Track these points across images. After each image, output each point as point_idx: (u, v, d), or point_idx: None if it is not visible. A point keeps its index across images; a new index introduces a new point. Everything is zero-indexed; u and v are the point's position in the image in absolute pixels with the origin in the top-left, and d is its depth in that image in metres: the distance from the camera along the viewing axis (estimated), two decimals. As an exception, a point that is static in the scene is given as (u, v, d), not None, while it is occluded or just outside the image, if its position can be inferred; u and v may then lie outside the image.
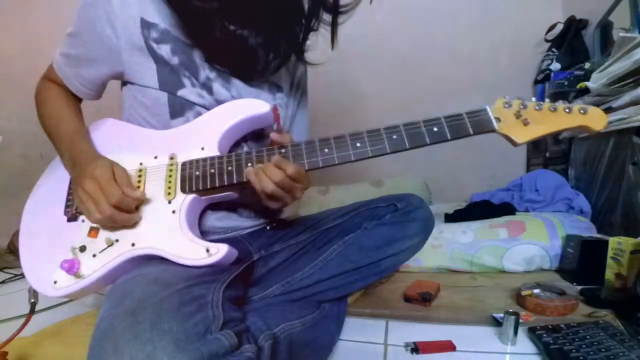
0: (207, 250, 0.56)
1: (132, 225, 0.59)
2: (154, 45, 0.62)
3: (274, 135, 0.62)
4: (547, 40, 1.83)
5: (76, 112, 0.71)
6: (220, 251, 0.56)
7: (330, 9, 0.64)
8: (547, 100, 0.59)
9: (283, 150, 0.60)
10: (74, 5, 0.63)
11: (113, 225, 0.58)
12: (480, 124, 0.58)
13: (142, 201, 0.60)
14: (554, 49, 1.75)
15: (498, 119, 0.58)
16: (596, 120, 0.57)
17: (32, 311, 0.71)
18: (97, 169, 0.57)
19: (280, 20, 0.64)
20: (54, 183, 0.69)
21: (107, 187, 0.56)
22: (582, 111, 0.57)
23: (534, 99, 0.60)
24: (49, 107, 0.70)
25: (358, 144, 0.59)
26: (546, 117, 0.58)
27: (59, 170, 0.69)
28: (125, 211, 0.57)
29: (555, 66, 1.65)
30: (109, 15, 0.61)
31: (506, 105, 0.59)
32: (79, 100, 0.74)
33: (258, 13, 0.62)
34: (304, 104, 0.84)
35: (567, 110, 0.57)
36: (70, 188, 0.67)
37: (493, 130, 0.58)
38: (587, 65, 1.44)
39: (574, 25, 1.68)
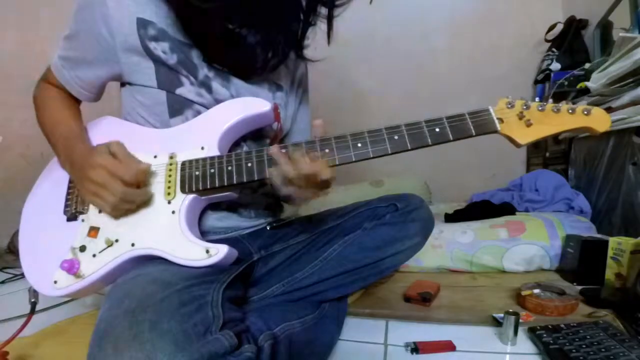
0: (207, 251, 0.56)
1: (148, 199, 0.59)
2: (151, 45, 0.62)
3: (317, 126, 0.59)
4: (547, 40, 1.84)
5: (73, 114, 0.71)
6: (220, 252, 0.56)
7: (326, 2, 0.64)
8: (550, 100, 0.58)
9: (284, 151, 0.60)
10: (74, 5, 0.63)
11: (129, 205, 0.58)
12: (482, 125, 0.58)
13: (151, 173, 0.61)
14: (554, 49, 1.75)
15: (500, 120, 0.58)
16: (600, 121, 0.56)
17: (33, 311, 0.71)
18: (98, 157, 0.57)
19: (279, 18, 0.64)
20: (52, 183, 0.69)
21: (116, 168, 0.55)
22: (585, 112, 0.56)
23: (537, 99, 0.59)
24: (47, 110, 0.70)
25: (359, 144, 0.59)
26: (549, 118, 0.57)
27: (57, 170, 0.69)
28: (137, 186, 0.58)
29: (555, 66, 1.65)
30: (105, 16, 0.61)
31: (509, 106, 0.58)
32: (77, 101, 0.74)
33: (256, 11, 0.62)
34: (305, 102, 0.84)
35: (570, 111, 0.56)
36: (69, 188, 0.67)
37: (495, 131, 0.58)
38: (587, 65, 1.44)
39: (574, 25, 1.68)
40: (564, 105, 0.57)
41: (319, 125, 0.60)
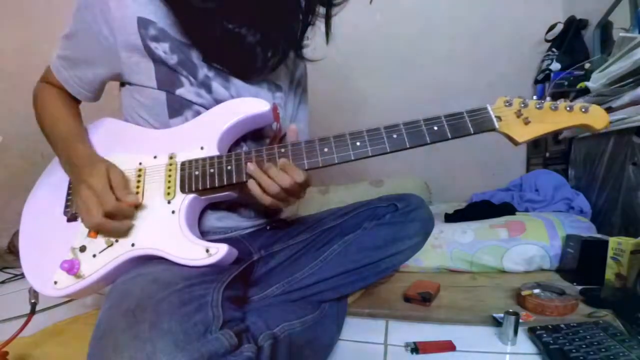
0: (207, 251, 0.56)
1: (126, 231, 0.59)
2: (152, 45, 0.62)
3: (291, 133, 0.62)
4: (547, 40, 1.84)
5: (73, 114, 0.71)
6: (220, 251, 0.56)
7: (324, 1, 0.64)
8: (548, 99, 0.59)
9: (283, 150, 0.60)
10: (73, 4, 0.63)
11: (106, 233, 0.58)
12: (480, 123, 0.58)
13: (138, 205, 0.60)
14: (554, 49, 1.75)
15: (499, 118, 0.58)
16: (598, 119, 0.56)
17: (33, 311, 0.71)
18: (92, 177, 0.57)
19: (278, 17, 0.64)
20: (53, 183, 0.69)
21: (102, 195, 0.56)
22: (583, 110, 0.56)
23: (535, 97, 0.59)
24: (46, 110, 0.70)
25: (358, 143, 0.59)
26: (547, 116, 0.57)
27: (58, 171, 0.69)
28: (120, 218, 0.57)
29: (555, 66, 1.65)
30: (105, 15, 0.60)
31: (507, 104, 0.59)
32: (77, 101, 0.74)
33: (256, 11, 0.62)
34: (304, 102, 0.84)
35: (568, 108, 0.57)
36: (69, 188, 0.67)
37: (494, 129, 0.58)
38: (587, 65, 1.44)
39: (574, 25, 1.68)
40: (562, 103, 0.57)
41: (293, 131, 0.61)
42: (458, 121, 0.58)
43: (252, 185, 0.59)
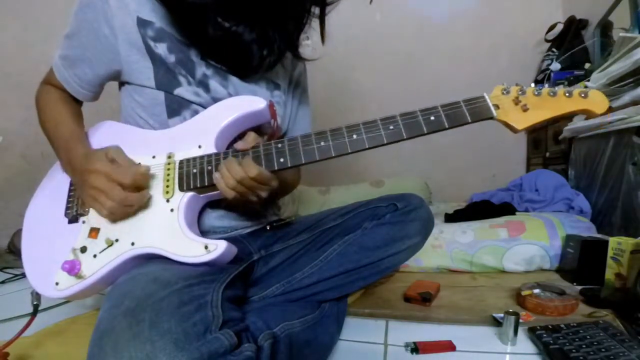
0: (206, 247, 0.56)
1: (135, 214, 0.59)
2: (152, 44, 0.62)
3: (239, 145, 0.62)
4: (547, 40, 1.84)
5: (75, 115, 0.71)
6: (219, 247, 0.56)
7: (318, 1, 0.64)
8: (546, 85, 0.58)
9: (279, 145, 0.60)
10: (74, 4, 0.63)
11: (128, 209, 0.58)
12: (478, 112, 0.57)
13: (150, 176, 0.61)
14: (554, 49, 1.76)
15: (496, 106, 0.57)
16: (598, 103, 0.55)
17: (35, 314, 0.71)
18: (97, 162, 0.58)
19: (274, 16, 0.64)
20: (55, 185, 0.70)
21: (115, 173, 0.56)
22: (582, 95, 0.55)
23: (533, 84, 0.58)
24: (48, 111, 0.70)
25: (354, 136, 0.59)
26: (546, 102, 0.56)
27: (59, 173, 0.70)
28: (136, 190, 0.58)
29: (555, 66, 1.65)
30: (106, 14, 0.61)
31: (504, 92, 0.58)
32: (79, 103, 0.74)
33: (252, 9, 0.62)
34: (305, 102, 0.84)
35: (567, 94, 0.56)
36: (70, 190, 0.67)
37: (492, 118, 0.57)
38: (587, 65, 1.44)
39: (574, 25, 1.68)
40: (560, 89, 0.56)
41: (249, 139, 0.61)
42: (455, 110, 0.57)
43: (215, 178, 0.59)
